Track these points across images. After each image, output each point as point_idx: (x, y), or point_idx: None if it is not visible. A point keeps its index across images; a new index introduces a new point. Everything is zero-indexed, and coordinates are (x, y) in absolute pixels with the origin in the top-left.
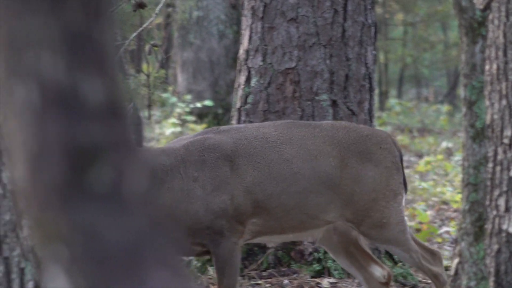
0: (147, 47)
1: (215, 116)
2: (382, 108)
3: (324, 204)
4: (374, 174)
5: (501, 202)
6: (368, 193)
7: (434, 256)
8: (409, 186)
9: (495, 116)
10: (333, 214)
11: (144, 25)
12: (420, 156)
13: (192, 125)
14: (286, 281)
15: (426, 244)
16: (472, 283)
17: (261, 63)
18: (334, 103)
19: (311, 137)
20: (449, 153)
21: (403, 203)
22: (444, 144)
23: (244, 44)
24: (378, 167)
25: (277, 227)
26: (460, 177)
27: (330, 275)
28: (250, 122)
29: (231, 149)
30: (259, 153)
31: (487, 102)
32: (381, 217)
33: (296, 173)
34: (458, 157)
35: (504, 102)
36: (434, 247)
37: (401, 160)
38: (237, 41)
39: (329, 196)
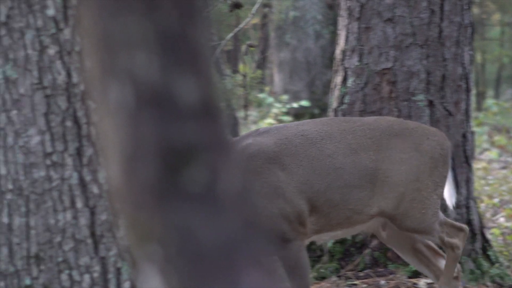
0: (243, 48)
1: (312, 116)
2: (479, 108)
3: (366, 198)
4: (419, 163)
5: None
6: (412, 183)
7: (459, 231)
8: (505, 187)
9: None
10: (376, 207)
11: (241, 26)
12: None
13: None
14: (382, 282)
15: (455, 222)
16: None
17: (357, 64)
18: (430, 104)
19: (351, 131)
20: None
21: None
22: None
23: (341, 44)
24: (424, 157)
25: (326, 224)
26: None
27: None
28: None
29: (273, 150)
30: (300, 151)
31: None
32: (421, 207)
33: (338, 168)
34: None
35: None
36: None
37: (453, 159)
38: (333, 41)
39: (371, 189)
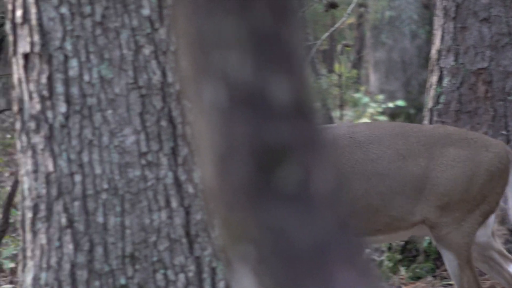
0: (339, 47)
1: (408, 116)
2: None
3: (410, 206)
4: (472, 174)
5: None
6: (460, 193)
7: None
8: None
9: None
10: (419, 215)
11: (336, 25)
12: None
13: None
14: None
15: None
16: None
17: (453, 63)
18: None
19: (403, 137)
20: None
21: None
22: None
23: (436, 44)
24: (479, 168)
25: (366, 229)
26: None
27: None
28: (442, 122)
29: None
30: (345, 153)
31: None
32: (460, 219)
33: (381, 174)
34: None
35: None
36: None
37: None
38: (429, 41)
39: (416, 197)
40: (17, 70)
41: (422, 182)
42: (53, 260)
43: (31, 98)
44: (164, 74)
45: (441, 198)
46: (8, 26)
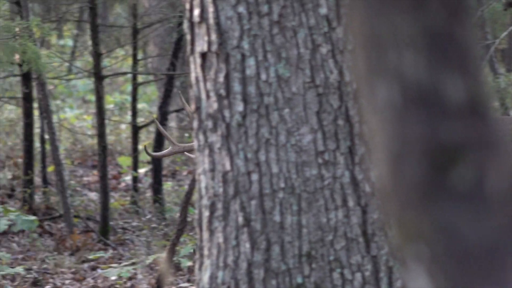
0: None
1: None
2: None
3: None
4: None
5: None
6: None
7: None
8: None
9: None
10: None
11: None
12: None
13: None
14: None
15: None
16: None
17: None
18: None
19: None
20: None
21: None
22: None
23: None
24: None
25: None
26: None
27: None
28: None
29: None
30: None
31: None
32: None
33: None
34: None
35: None
36: None
37: None
38: None
39: None
40: (195, 69)
41: None
42: (230, 259)
43: (208, 97)
44: (341, 73)
45: None
46: (185, 25)
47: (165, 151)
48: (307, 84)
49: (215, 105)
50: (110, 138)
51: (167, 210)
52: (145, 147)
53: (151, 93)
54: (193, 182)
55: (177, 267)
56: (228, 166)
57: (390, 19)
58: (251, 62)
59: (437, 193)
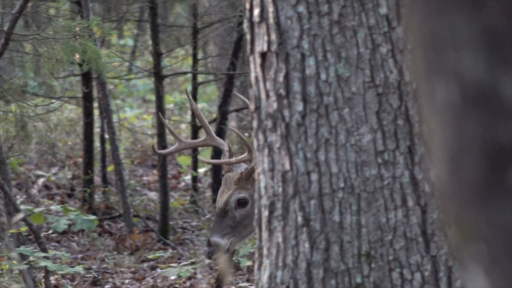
0: None
1: None
2: None
3: None
4: None
5: None
6: None
7: None
8: None
9: None
10: None
11: None
12: None
13: None
14: None
15: None
16: None
17: None
18: None
19: None
20: None
21: None
22: None
23: None
24: None
25: None
26: None
27: None
28: None
29: None
30: None
31: None
32: None
33: None
34: None
35: None
36: None
37: None
38: None
39: None
40: (254, 69)
41: None
42: (289, 259)
43: (268, 96)
44: (400, 73)
45: None
46: (245, 25)
47: (171, 148)
48: (367, 83)
49: (274, 105)
50: (170, 138)
51: None
52: (153, 146)
53: (211, 92)
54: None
55: (237, 267)
56: (287, 166)
57: (449, 19)
58: (310, 61)
59: (496, 193)
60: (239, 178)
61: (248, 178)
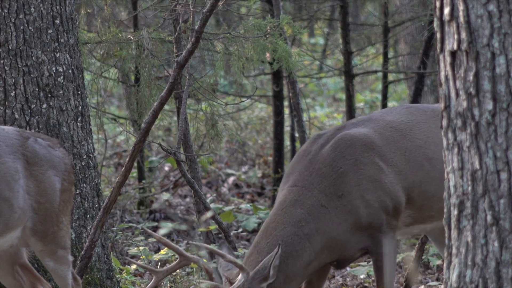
0: None
1: None
2: None
3: None
4: None
5: None
6: None
7: None
8: None
9: None
10: None
11: None
12: None
13: None
14: None
15: None
16: None
17: None
18: None
19: (433, 121)
20: None
21: None
22: None
23: None
24: None
25: (418, 217)
26: None
27: None
28: None
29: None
30: (392, 143)
31: None
32: None
33: (431, 158)
34: None
35: None
36: None
37: None
38: None
39: None
40: (444, 68)
41: None
42: (478, 258)
43: (457, 95)
44: None
45: None
46: (435, 24)
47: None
48: None
49: (464, 104)
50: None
51: None
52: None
53: (401, 91)
54: None
55: (426, 266)
56: (477, 165)
57: None
58: (501, 60)
59: None
60: None
61: None
